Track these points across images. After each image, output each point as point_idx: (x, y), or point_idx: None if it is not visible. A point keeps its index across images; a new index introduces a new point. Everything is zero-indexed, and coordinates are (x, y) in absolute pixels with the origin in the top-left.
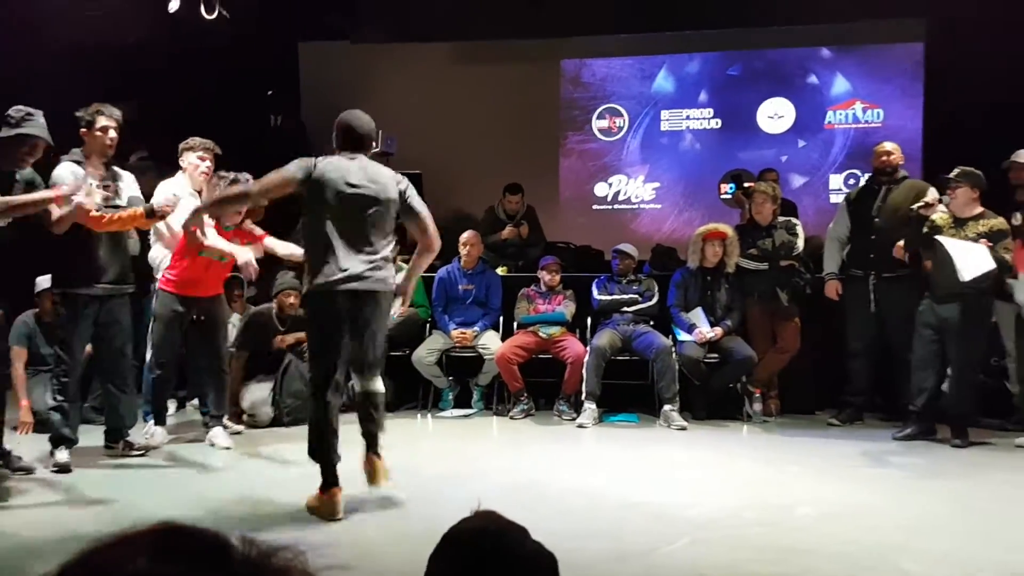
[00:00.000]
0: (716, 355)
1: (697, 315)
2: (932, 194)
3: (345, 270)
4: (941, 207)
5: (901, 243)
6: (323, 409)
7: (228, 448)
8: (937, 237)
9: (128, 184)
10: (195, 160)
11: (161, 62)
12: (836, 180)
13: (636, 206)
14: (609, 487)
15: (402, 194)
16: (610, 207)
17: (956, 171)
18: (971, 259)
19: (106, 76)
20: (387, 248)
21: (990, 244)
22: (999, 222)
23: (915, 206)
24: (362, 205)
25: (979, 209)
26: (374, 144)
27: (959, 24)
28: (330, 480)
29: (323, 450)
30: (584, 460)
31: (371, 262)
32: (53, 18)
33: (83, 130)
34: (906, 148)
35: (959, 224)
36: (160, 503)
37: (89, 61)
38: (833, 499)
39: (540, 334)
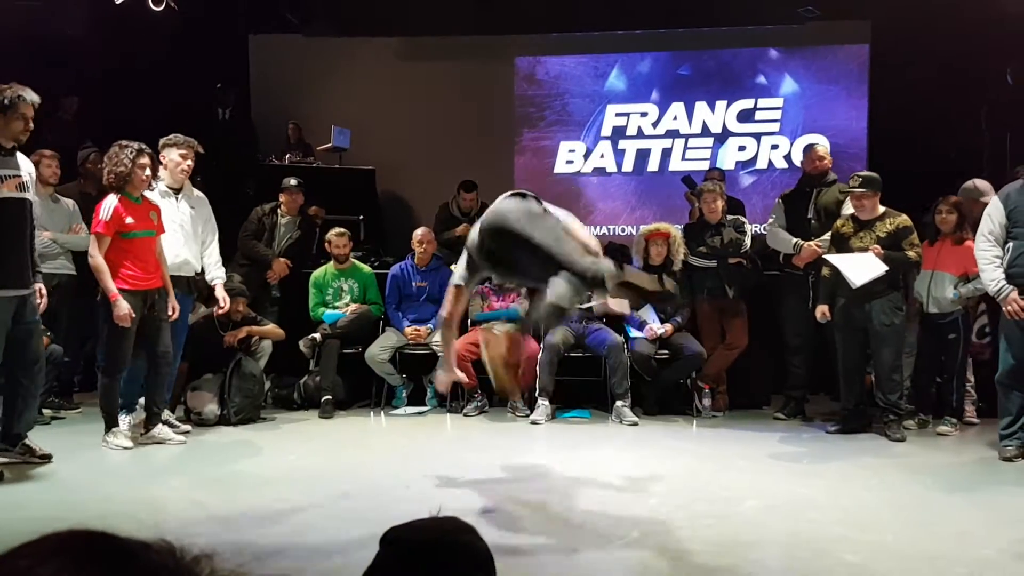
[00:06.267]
0: (666, 351)
1: (647, 312)
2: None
3: None
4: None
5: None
6: None
7: (183, 442)
8: (825, 256)
9: (30, 171)
10: (176, 157)
11: (107, 55)
12: (784, 179)
13: (591, 203)
14: (561, 482)
15: None
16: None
17: (857, 180)
18: (859, 268)
19: (47, 69)
20: None
21: (880, 250)
22: (903, 219)
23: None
24: None
25: (882, 210)
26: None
27: (903, 26)
28: None
29: None
30: (537, 456)
31: None
32: None
33: None
34: (852, 148)
35: (865, 227)
36: (101, 505)
37: (29, 54)
38: (778, 492)
39: (494, 331)
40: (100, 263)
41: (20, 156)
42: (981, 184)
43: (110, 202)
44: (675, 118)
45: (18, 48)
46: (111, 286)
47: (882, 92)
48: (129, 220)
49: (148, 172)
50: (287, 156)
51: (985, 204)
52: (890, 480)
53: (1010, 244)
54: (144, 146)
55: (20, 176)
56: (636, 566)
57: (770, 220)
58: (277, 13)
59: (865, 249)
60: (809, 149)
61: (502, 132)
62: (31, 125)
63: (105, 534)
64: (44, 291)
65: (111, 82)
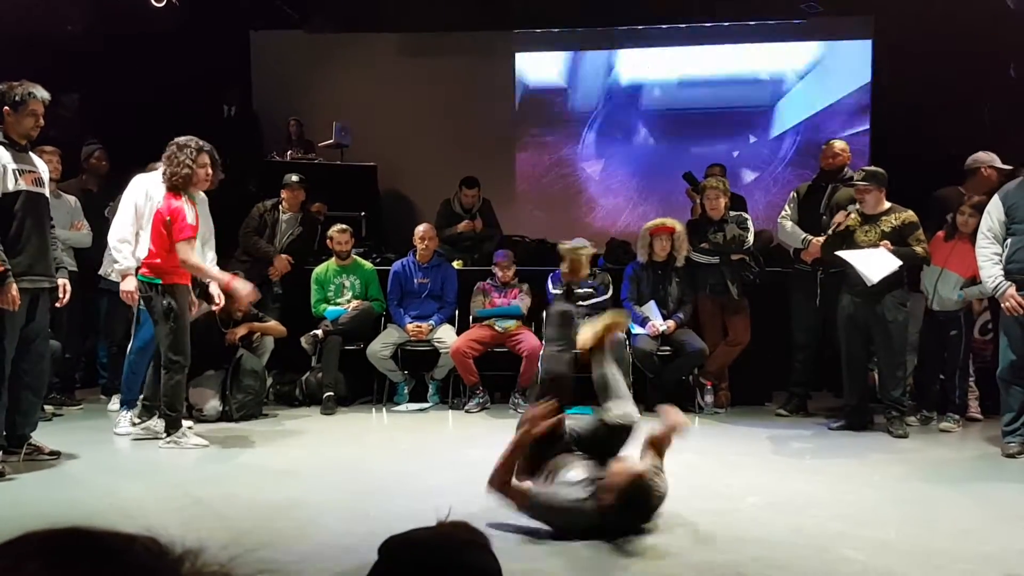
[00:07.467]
0: (668, 348)
1: (650, 308)
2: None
3: None
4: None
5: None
6: None
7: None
8: (838, 252)
9: (44, 169)
10: None
11: (108, 51)
12: (786, 175)
13: (592, 199)
14: None
15: None
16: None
17: (861, 174)
18: (873, 263)
19: (48, 66)
20: None
21: (890, 245)
22: (908, 215)
23: (832, 229)
24: None
25: (887, 204)
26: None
27: (906, 22)
28: None
29: None
30: None
31: None
32: None
33: (7, 109)
34: (853, 144)
35: (871, 221)
36: (102, 501)
37: (29, 51)
38: (780, 489)
39: (496, 328)
40: (197, 262)
41: (32, 154)
42: (982, 156)
43: (186, 207)
44: (676, 114)
45: (19, 45)
46: (223, 275)
47: (884, 88)
48: (192, 222)
49: (209, 170)
50: (288, 152)
51: (989, 173)
52: (892, 476)
53: (1009, 240)
54: (203, 143)
55: (36, 172)
56: (637, 563)
57: (783, 213)
58: (278, 10)
59: (871, 243)
60: (825, 145)
61: (503, 128)
62: (42, 121)
63: (88, 532)
64: (68, 287)
65: (112, 79)
